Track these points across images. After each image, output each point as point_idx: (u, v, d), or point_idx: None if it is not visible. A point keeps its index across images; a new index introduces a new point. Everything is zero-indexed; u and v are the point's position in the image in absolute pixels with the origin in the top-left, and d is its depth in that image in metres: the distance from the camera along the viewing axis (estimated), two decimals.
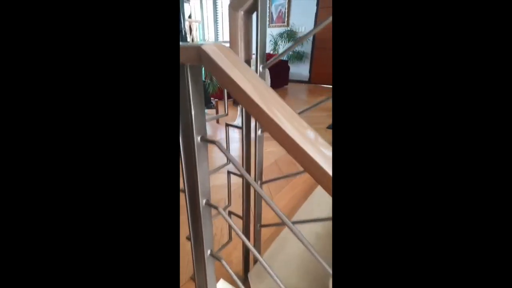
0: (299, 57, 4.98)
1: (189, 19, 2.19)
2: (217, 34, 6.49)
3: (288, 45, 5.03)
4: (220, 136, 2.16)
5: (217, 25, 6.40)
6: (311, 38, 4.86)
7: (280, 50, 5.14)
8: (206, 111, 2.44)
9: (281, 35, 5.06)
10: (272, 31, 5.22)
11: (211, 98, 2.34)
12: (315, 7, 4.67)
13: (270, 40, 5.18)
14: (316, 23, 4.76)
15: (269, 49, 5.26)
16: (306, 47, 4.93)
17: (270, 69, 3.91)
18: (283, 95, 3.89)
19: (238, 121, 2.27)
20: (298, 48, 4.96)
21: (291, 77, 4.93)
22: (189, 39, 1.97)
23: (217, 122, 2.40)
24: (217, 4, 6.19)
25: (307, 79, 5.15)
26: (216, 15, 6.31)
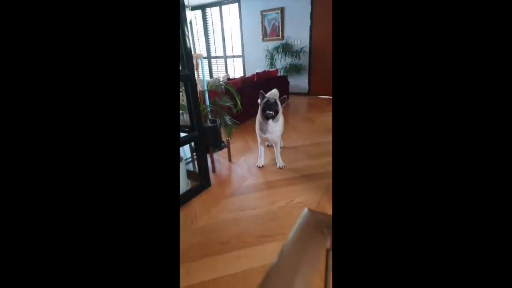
0: (297, 69, 4.89)
1: (196, 54, 2.07)
2: (209, 49, 6.35)
3: (284, 58, 4.93)
4: (234, 175, 2.02)
5: (208, 39, 6.27)
6: (307, 50, 4.77)
7: (277, 64, 5.04)
8: (219, 155, 2.29)
9: (276, 48, 4.96)
10: (268, 45, 5.12)
11: (222, 141, 2.19)
12: (309, 20, 4.59)
13: (266, 55, 5.07)
14: (311, 36, 4.68)
15: (265, 64, 5.16)
16: (303, 60, 4.84)
17: (269, 87, 3.79)
18: (285, 112, 3.77)
19: (260, 161, 2.13)
20: (295, 61, 4.87)
21: (290, 89, 4.82)
22: (196, 75, 1.83)
23: (230, 160, 2.26)
24: (207, 19, 6.05)
25: (306, 91, 5.06)
26: (207, 29, 6.17)
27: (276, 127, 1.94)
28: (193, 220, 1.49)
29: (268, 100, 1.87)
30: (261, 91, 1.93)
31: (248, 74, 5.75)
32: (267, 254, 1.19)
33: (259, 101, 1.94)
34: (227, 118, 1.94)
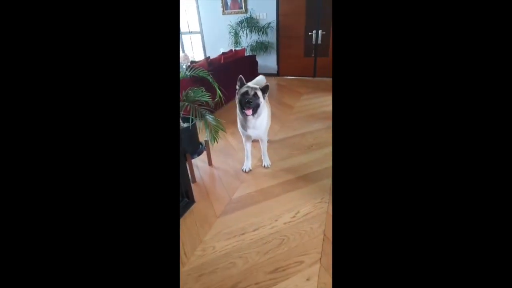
0: (264, 48, 4.50)
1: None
2: None
3: (250, 35, 4.46)
4: (220, 184, 1.70)
5: None
6: (274, 26, 4.38)
7: (243, 42, 4.56)
8: (196, 159, 1.91)
9: (240, 23, 4.45)
10: (230, 20, 4.55)
11: (200, 143, 1.80)
12: None
13: (230, 31, 4.52)
14: (278, 8, 4.27)
15: (229, 42, 4.62)
16: (270, 37, 4.45)
17: (238, 70, 3.38)
18: None
19: (247, 165, 1.82)
20: (262, 38, 4.45)
21: (259, 70, 4.46)
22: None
23: (210, 164, 1.91)
24: None
25: (275, 72, 4.75)
26: None
27: (257, 123, 1.57)
28: (183, 258, 1.16)
29: (246, 93, 1.44)
30: (240, 76, 1.51)
31: (209, 53, 5.15)
32: None
33: (237, 87, 1.55)
34: (211, 118, 1.54)
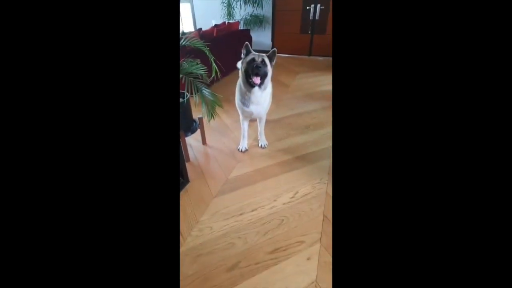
0: (258, 22, 4.25)
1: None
2: None
3: (244, 7, 4.17)
4: (215, 164, 1.64)
5: None
6: None
7: (236, 14, 4.27)
8: (190, 137, 1.81)
9: None
10: None
11: (194, 121, 1.69)
12: None
13: (223, 2, 4.20)
14: None
15: (222, 13, 4.31)
16: (266, 10, 4.19)
17: (231, 44, 3.19)
18: None
19: (243, 144, 1.75)
20: (257, 11, 4.18)
21: (253, 47, 4.25)
22: None
23: (204, 143, 1.82)
24: None
25: (270, 49, 4.54)
26: None
27: (262, 97, 1.48)
28: (179, 238, 1.12)
29: (253, 60, 1.33)
30: (246, 42, 1.41)
31: (199, 25, 4.81)
32: (290, 277, 0.95)
33: (242, 55, 1.43)
34: (207, 92, 1.43)
